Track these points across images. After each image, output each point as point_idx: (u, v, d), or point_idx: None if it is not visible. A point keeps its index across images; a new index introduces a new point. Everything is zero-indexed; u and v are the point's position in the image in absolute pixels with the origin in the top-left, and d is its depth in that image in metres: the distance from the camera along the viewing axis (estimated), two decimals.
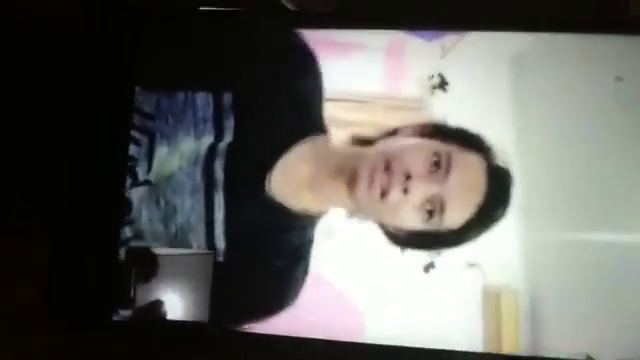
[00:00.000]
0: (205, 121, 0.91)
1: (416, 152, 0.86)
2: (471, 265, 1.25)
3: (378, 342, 1.00)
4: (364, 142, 0.93)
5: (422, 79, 1.27)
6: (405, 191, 0.83)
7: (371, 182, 0.84)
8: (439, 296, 1.09)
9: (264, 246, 0.94)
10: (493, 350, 1.19)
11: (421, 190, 0.84)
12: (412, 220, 0.87)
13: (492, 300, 1.42)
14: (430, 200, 0.84)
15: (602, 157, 1.29)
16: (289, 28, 1.05)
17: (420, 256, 1.02)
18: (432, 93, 1.37)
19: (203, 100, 0.93)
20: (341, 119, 1.61)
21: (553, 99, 1.40)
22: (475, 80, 1.31)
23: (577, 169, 1.37)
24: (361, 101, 1.68)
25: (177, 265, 1.01)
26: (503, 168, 0.87)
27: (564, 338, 1.32)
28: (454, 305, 1.14)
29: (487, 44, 1.25)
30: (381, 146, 0.90)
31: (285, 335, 1.01)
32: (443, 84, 1.54)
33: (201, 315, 1.01)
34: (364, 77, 1.27)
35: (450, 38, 1.25)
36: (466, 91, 1.22)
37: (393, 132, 0.93)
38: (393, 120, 1.43)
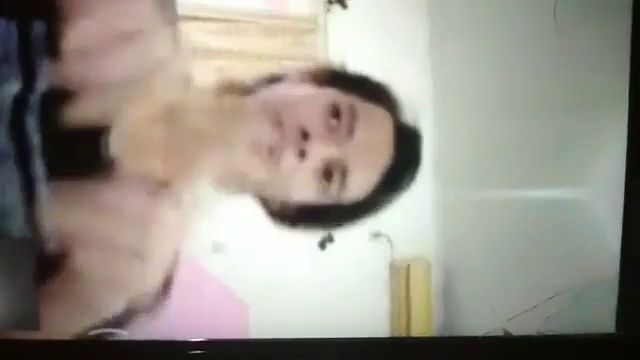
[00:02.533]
0: (7, 61, 0.68)
1: (312, 105, 0.71)
2: (376, 235, 1.12)
3: (265, 337, 0.89)
4: (239, 91, 0.75)
5: None
6: (302, 154, 0.71)
7: (256, 142, 0.71)
8: (339, 275, 0.96)
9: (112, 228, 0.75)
10: (402, 333, 1.08)
11: (321, 153, 0.69)
12: (306, 190, 0.73)
13: (401, 276, 1.32)
14: (329, 165, 0.71)
15: (527, 105, 1.20)
16: None
17: (314, 229, 0.89)
18: (328, 9, 1.19)
19: (3, 30, 0.68)
20: (205, 47, 1.39)
21: (479, 26, 1.26)
22: None
23: (499, 121, 1.28)
24: (233, 20, 1.47)
25: None
26: (412, 127, 0.74)
27: (480, 314, 1.25)
28: (356, 285, 1.13)
29: None
30: (264, 95, 0.72)
31: (150, 340, 0.86)
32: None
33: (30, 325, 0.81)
34: None
35: None
36: (371, 8, 1.06)
37: (277, 78, 0.75)
38: (277, 48, 1.28)
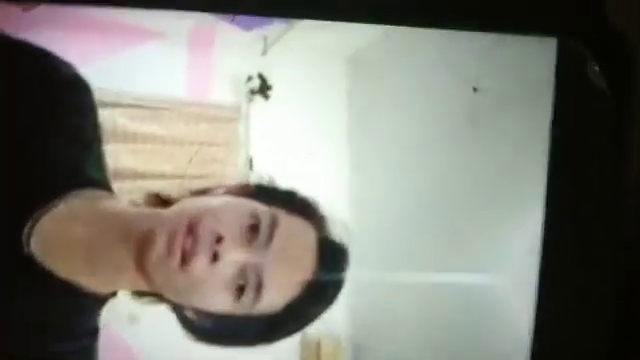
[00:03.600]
0: None
1: (229, 211, 0.66)
2: None
3: None
4: (162, 202, 0.70)
5: (238, 80, 1.17)
6: (214, 257, 0.63)
7: (169, 247, 0.63)
8: (248, 350, 0.90)
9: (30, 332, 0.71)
10: None
11: (235, 257, 0.64)
12: (220, 298, 0.66)
13: (312, 351, 1.30)
14: (244, 271, 0.65)
15: (443, 189, 1.19)
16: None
17: (234, 346, 0.85)
18: (250, 99, 1.17)
19: None
20: (125, 131, 1.36)
21: (399, 110, 1.25)
22: (304, 84, 1.13)
23: (415, 203, 1.28)
24: (156, 107, 1.43)
25: None
26: (338, 244, 0.70)
27: None
28: (268, 357, 1.08)
29: (321, 37, 1.06)
30: (185, 205, 0.69)
31: None
32: (264, 88, 1.36)
33: None
34: (158, 75, 1.11)
35: (275, 27, 1.06)
36: (293, 98, 1.06)
37: (202, 191, 0.72)
38: (199, 134, 1.24)
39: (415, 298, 1.17)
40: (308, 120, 1.29)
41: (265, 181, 0.75)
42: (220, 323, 0.69)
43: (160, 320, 0.89)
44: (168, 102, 1.31)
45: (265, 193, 0.73)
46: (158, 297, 0.71)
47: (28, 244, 0.67)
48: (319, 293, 0.70)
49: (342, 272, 0.73)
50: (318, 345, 1.39)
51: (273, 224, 0.67)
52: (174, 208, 0.71)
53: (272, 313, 0.69)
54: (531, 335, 1.01)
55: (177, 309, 0.71)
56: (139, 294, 0.72)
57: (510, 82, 1.10)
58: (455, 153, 1.17)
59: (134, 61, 1.07)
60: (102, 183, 0.74)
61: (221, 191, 0.71)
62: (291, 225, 0.69)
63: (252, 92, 1.29)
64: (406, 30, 0.97)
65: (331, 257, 0.72)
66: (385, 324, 1.24)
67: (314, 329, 1.04)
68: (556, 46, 0.87)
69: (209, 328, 0.70)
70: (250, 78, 1.21)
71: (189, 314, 0.70)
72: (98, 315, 0.72)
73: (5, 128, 0.72)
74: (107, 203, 0.71)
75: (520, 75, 1.06)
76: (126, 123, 1.37)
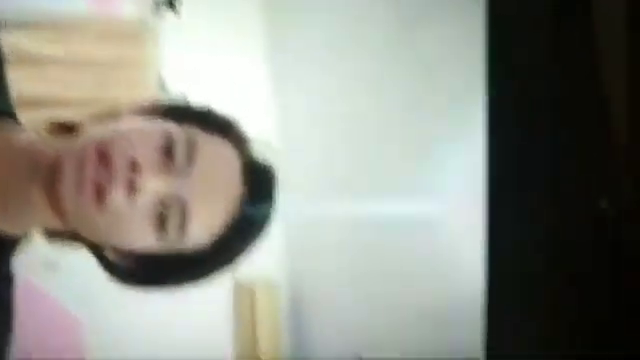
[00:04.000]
0: None
1: (142, 136, 0.57)
2: None
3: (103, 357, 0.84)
4: (68, 130, 0.62)
5: None
6: (131, 187, 0.54)
7: (80, 179, 0.54)
8: (180, 298, 0.85)
9: None
10: (248, 358, 1.00)
11: (154, 186, 0.55)
12: (141, 234, 0.56)
13: (246, 298, 1.22)
14: (165, 202, 0.55)
15: (382, 111, 1.14)
16: None
17: (163, 287, 0.82)
18: (157, 14, 1.09)
19: None
20: (29, 54, 1.25)
21: (321, 23, 1.19)
22: None
23: (350, 127, 1.22)
24: (57, 27, 1.32)
25: None
26: (262, 162, 0.63)
27: (333, 338, 1.19)
28: (199, 307, 1.02)
29: None
30: (92, 131, 0.60)
31: None
32: (172, 1, 1.27)
33: None
34: None
35: None
36: (204, 10, 0.97)
37: (108, 115, 0.63)
38: (105, 53, 1.14)
39: (351, 234, 1.08)
40: (222, 33, 1.18)
41: (177, 100, 0.69)
42: (143, 263, 0.60)
43: (78, 265, 0.85)
44: (72, 20, 1.21)
45: (178, 112, 0.63)
46: (74, 237, 0.64)
47: None
48: (247, 223, 0.63)
49: (272, 196, 0.65)
50: (252, 292, 1.28)
51: (191, 145, 0.57)
52: (80, 134, 0.64)
53: (198, 249, 0.62)
54: (484, 261, 0.96)
55: (95, 249, 0.61)
56: (53, 234, 0.66)
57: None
58: (391, 62, 1.08)
59: None
60: (6, 112, 0.65)
61: (129, 114, 0.62)
62: (211, 146, 0.59)
63: (158, 4, 1.20)
64: None
65: (258, 181, 0.62)
66: (321, 267, 1.18)
67: (247, 275, 0.97)
68: None
69: (132, 269, 0.61)
70: None
71: (109, 254, 0.63)
72: (10, 261, 0.64)
73: None
74: (11, 135, 0.62)
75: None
76: (28, 45, 1.27)
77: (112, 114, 0.62)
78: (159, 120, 0.59)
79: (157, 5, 0.98)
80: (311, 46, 1.06)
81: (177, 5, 1.00)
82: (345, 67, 1.04)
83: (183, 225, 0.56)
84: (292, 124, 1.03)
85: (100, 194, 0.53)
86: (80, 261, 0.82)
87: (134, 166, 0.54)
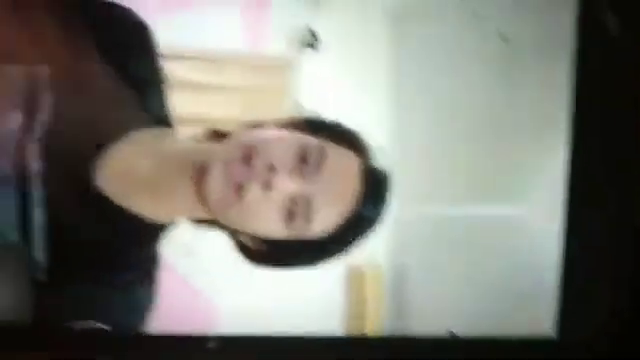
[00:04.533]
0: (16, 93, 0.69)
1: (281, 144, 0.68)
2: None
3: (232, 331, 0.84)
4: (219, 136, 0.74)
5: (290, 34, 1.16)
6: (267, 185, 0.64)
7: (225, 176, 0.65)
8: (299, 278, 0.98)
9: (97, 258, 0.73)
10: (356, 332, 1.13)
11: (286, 186, 0.66)
12: (273, 224, 0.68)
13: (356, 279, 1.37)
14: (294, 199, 0.66)
15: (477, 127, 1.26)
16: None
17: (285, 267, 0.94)
18: (301, 51, 1.24)
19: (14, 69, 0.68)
20: (187, 81, 1.45)
21: (432, 57, 1.33)
22: (351, 37, 1.20)
23: (451, 140, 1.35)
24: (213, 59, 1.52)
25: None
26: (380, 170, 0.73)
27: (428, 316, 1.31)
28: (316, 287, 1.18)
29: None
30: (239, 138, 0.70)
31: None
32: (314, 42, 1.42)
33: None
34: (217, 30, 1.19)
35: None
36: (341, 51, 1.12)
37: (255, 125, 0.73)
38: (253, 82, 1.30)
39: (451, 229, 1.24)
40: (352, 70, 1.29)
41: (312, 115, 0.76)
42: (273, 247, 0.70)
43: (212, 250, 0.95)
44: (226, 54, 1.38)
45: (313, 126, 0.73)
46: (215, 224, 0.72)
47: (95, 178, 0.69)
48: (362, 219, 0.71)
49: (385, 198, 0.72)
50: (362, 273, 1.47)
51: (321, 155, 0.68)
52: (229, 140, 0.70)
53: (319, 238, 0.69)
54: (559, 268, 1.05)
55: (234, 235, 0.73)
56: (199, 222, 0.73)
57: (534, 32, 1.11)
58: (486, 93, 1.22)
59: (196, 17, 1.13)
60: (165, 121, 0.76)
61: (273, 125, 0.72)
62: (338, 155, 0.70)
63: (303, 45, 1.36)
64: None
65: (374, 185, 0.71)
66: (422, 253, 1.33)
67: (358, 259, 1.08)
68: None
69: (263, 252, 0.71)
70: (302, 32, 1.28)
71: (245, 239, 0.72)
72: (158, 244, 0.74)
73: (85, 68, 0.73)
74: (169, 139, 0.74)
75: (543, 25, 1.06)
76: (188, 74, 1.48)
77: (258, 125, 0.71)
78: (297, 132, 0.69)
79: (301, 44, 1.11)
80: (423, 82, 1.17)
81: (317, 45, 1.12)
82: (449, 99, 1.16)
83: (308, 219, 0.66)
84: (406, 144, 1.16)
85: (240, 189, 0.64)
86: (214, 248, 0.94)
87: (271, 168, 0.64)
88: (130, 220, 0.70)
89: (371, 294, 1.22)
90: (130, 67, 0.74)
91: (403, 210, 1.01)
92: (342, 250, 0.71)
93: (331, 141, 0.68)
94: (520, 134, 1.19)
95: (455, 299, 1.19)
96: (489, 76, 1.18)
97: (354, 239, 0.71)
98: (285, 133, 0.69)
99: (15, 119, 0.67)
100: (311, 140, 0.67)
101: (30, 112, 0.69)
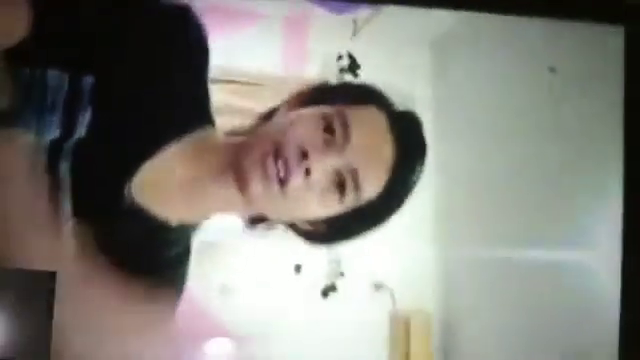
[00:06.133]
0: (54, 109, 0.68)
1: (303, 123, 0.68)
2: (378, 287, 1.12)
3: None
4: (241, 132, 0.73)
5: (329, 60, 1.16)
6: (307, 172, 0.66)
7: (264, 173, 0.66)
8: (340, 324, 0.97)
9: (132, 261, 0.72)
10: None
11: (324, 165, 0.66)
12: (325, 205, 0.69)
13: (401, 326, 1.33)
14: (337, 171, 0.67)
15: (529, 165, 1.20)
16: None
17: (318, 278, 0.92)
18: (340, 77, 1.22)
19: (56, 80, 0.67)
20: (229, 106, 1.46)
21: (478, 90, 1.29)
22: (390, 64, 1.17)
23: (501, 178, 1.29)
24: (254, 84, 1.53)
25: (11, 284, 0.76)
26: (405, 112, 0.72)
27: None
28: (357, 333, 1.14)
29: (406, 22, 1.12)
30: (262, 130, 0.71)
31: None
32: (354, 67, 1.42)
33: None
34: (257, 54, 1.17)
35: (364, 12, 1.11)
36: (379, 77, 1.08)
37: (269, 113, 0.74)
38: None
39: (504, 275, 1.17)
40: (392, 98, 1.31)
41: (319, 84, 0.76)
42: (331, 224, 0.71)
43: (250, 293, 0.98)
44: (266, 79, 1.32)
45: (324, 94, 0.73)
46: (270, 222, 0.74)
47: (130, 188, 0.69)
48: (406, 166, 0.71)
49: (420, 137, 0.72)
50: (407, 321, 1.31)
51: (344, 120, 0.68)
52: (255, 135, 0.71)
53: (371, 201, 0.69)
54: (619, 314, 1.01)
55: (292, 226, 0.74)
56: (253, 222, 0.75)
57: (582, 65, 1.09)
58: (536, 130, 1.18)
59: (238, 42, 1.14)
60: (205, 120, 0.76)
61: (286, 107, 0.73)
62: (360, 115, 0.69)
63: (342, 70, 1.35)
64: (483, 16, 1.01)
65: (405, 129, 0.71)
66: (473, 301, 1.25)
67: (404, 305, 1.07)
68: (624, 33, 0.89)
69: (323, 232, 0.72)
70: (340, 57, 1.27)
71: (304, 226, 0.73)
72: (191, 239, 0.76)
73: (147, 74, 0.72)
74: (210, 139, 0.74)
75: (592, 58, 1.05)
76: (225, 97, 1.46)
77: (273, 112, 0.72)
78: (311, 106, 0.70)
79: (340, 70, 1.11)
80: (468, 118, 1.15)
81: (357, 71, 1.12)
82: (497, 136, 1.14)
83: (357, 186, 0.67)
84: (451, 170, 1.15)
85: (282, 184, 0.65)
86: (250, 289, 0.96)
87: (304, 154, 0.65)
88: (162, 229, 0.70)
89: (416, 342, 1.17)
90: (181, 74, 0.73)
91: (450, 252, 0.97)
92: (397, 205, 0.71)
93: (349, 103, 0.68)
94: (570, 171, 1.17)
95: (506, 347, 1.13)
96: (538, 109, 1.14)
97: (403, 190, 0.71)
98: (303, 111, 0.69)
99: None
100: (328, 109, 0.67)
101: (66, 130, 0.67)
